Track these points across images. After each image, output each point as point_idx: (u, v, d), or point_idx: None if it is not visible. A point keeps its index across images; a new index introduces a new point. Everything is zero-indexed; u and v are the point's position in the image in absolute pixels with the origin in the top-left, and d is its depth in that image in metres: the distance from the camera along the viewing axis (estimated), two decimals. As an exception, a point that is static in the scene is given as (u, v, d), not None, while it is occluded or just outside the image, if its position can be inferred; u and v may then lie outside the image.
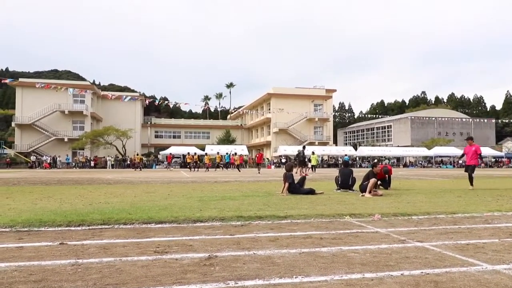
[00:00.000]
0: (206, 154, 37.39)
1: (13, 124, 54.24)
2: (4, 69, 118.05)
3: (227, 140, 63.54)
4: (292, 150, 39.27)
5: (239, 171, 31.32)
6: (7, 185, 13.70)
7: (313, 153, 29.50)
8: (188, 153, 36.94)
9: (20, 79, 55.82)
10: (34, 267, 3.18)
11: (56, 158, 48.23)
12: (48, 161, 46.11)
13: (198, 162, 35.52)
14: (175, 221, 5.42)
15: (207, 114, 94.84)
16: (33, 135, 52.85)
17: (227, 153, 40.98)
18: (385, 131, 76.40)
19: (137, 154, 42.41)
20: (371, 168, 10.16)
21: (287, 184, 9.44)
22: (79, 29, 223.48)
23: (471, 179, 11.46)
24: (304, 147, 24.93)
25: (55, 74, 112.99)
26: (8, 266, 3.21)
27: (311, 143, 57.20)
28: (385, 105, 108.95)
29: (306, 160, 25.60)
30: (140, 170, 36.28)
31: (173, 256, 3.56)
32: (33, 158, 48.51)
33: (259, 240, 4.24)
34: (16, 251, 3.78)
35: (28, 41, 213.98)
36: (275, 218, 5.72)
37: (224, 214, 5.98)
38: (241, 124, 75.07)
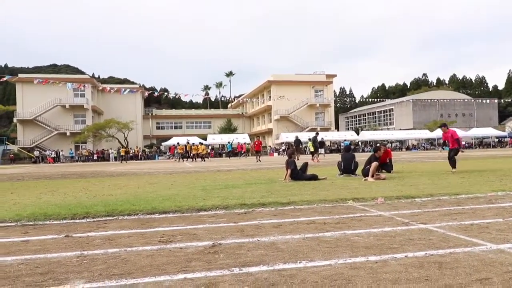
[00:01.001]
0: (193, 144, 36.06)
1: (15, 120, 54.35)
2: (3, 66, 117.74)
3: (229, 129, 63.49)
4: (294, 136, 39.23)
5: (204, 160, 31.36)
6: (11, 180, 13.77)
7: (309, 139, 28.94)
8: (178, 143, 36.92)
9: (20, 75, 55.72)
10: (40, 260, 3.21)
11: (59, 153, 48.40)
12: (52, 156, 46.28)
13: (189, 152, 33.95)
14: (178, 211, 5.44)
15: (207, 103, 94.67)
16: (35, 130, 52.94)
17: (229, 142, 41.10)
18: (387, 115, 76.14)
19: (121, 147, 42.85)
20: (373, 152, 10.14)
21: (289, 171, 9.44)
22: (78, 23, 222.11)
23: (454, 162, 10.93)
24: (317, 133, 24.41)
25: (54, 68, 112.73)
26: (15, 260, 3.23)
27: (313, 129, 57.09)
28: (386, 88, 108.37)
29: (300, 147, 25.28)
30: (124, 162, 36.60)
31: (177, 245, 3.57)
32: (36, 153, 48.69)
33: (263, 227, 4.26)
34: (22, 244, 3.81)
35: (26, 36, 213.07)
36: (278, 204, 5.73)
37: (227, 202, 5.99)
38: (242, 113, 74.90)
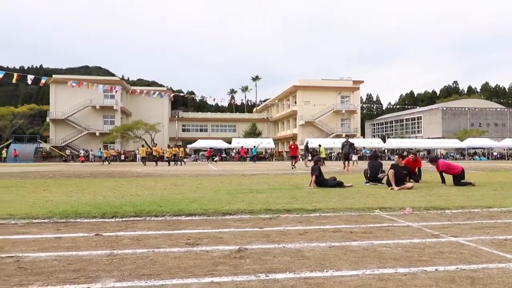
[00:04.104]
0: (167, 146, 34.81)
1: (47, 119, 56.42)
2: (38, 66, 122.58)
3: (253, 133, 63.68)
4: (318, 142, 38.98)
5: (169, 164, 30.02)
6: (43, 178, 14.26)
7: (319, 145, 28.52)
8: (142, 145, 37.08)
9: (54, 76, 57.75)
10: (72, 257, 3.31)
11: (89, 152, 49.79)
12: (82, 155, 47.75)
13: (172, 155, 31.35)
14: (204, 214, 5.50)
15: (233, 107, 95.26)
16: (67, 130, 54.72)
17: (254, 146, 41.17)
18: (414, 123, 74.43)
19: (106, 149, 44.05)
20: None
21: (314, 177, 9.37)
22: (109, 27, 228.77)
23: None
24: (347, 139, 23.16)
25: (86, 70, 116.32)
26: (49, 256, 3.35)
27: (338, 135, 56.53)
28: (415, 96, 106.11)
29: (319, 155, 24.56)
30: (108, 163, 37.36)
31: (204, 248, 3.61)
32: (67, 151, 50.29)
33: (288, 233, 4.25)
34: (55, 241, 3.94)
35: (60, 39, 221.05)
36: (303, 211, 5.70)
37: (252, 207, 6.01)
38: (267, 117, 74.97)
